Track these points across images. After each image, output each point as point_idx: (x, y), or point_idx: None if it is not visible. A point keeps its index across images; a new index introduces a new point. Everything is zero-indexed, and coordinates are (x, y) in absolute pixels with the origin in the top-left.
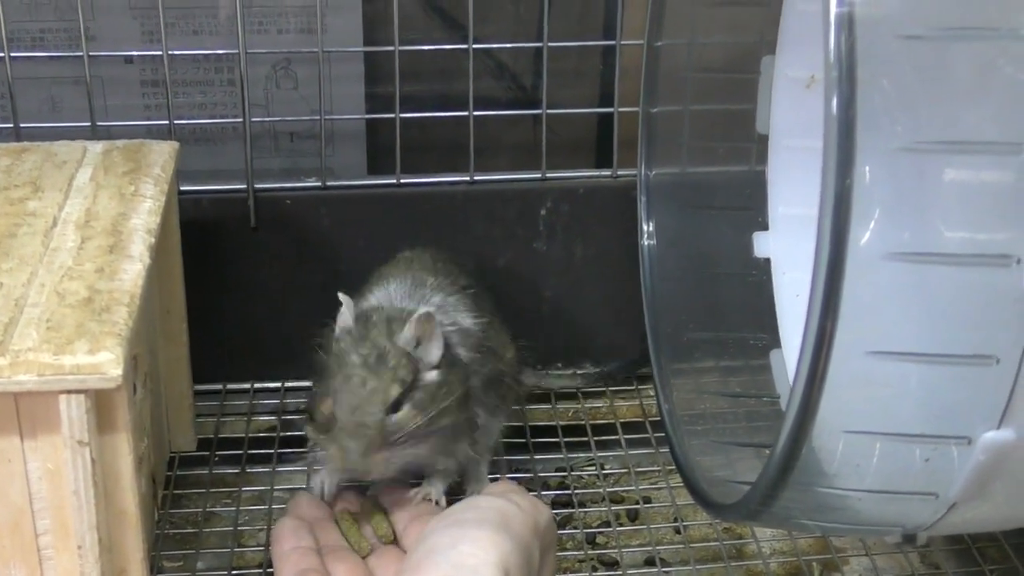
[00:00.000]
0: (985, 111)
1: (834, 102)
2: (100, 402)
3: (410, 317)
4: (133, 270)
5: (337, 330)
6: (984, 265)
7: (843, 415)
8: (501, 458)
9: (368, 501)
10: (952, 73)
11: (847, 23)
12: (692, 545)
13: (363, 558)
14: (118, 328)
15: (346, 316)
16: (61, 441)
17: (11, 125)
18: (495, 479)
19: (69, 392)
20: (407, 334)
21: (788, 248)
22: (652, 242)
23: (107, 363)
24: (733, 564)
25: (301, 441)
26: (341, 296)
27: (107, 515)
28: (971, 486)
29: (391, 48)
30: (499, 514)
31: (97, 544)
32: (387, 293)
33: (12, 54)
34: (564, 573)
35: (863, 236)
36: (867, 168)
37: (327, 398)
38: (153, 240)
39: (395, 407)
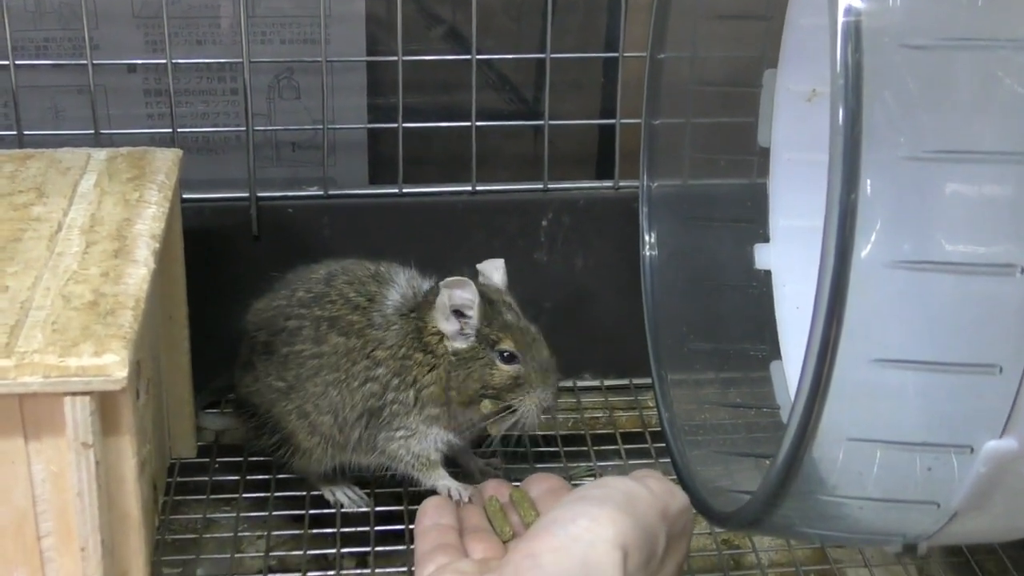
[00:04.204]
0: (986, 121)
1: (840, 112)
2: (104, 405)
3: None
4: (138, 274)
5: (481, 305)
6: (987, 275)
7: (846, 423)
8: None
9: (519, 491)
10: (954, 83)
11: (854, 32)
12: (690, 555)
13: (504, 542)
14: (123, 331)
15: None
16: (65, 443)
17: (15, 132)
18: None
19: (74, 394)
20: None
21: (789, 260)
22: (654, 253)
23: (112, 365)
24: (732, 574)
25: None
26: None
27: (110, 518)
28: (973, 495)
29: (394, 58)
30: (625, 495)
31: (100, 547)
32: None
33: (16, 62)
34: None
35: (865, 246)
36: (869, 179)
37: (512, 364)
38: (157, 245)
39: None
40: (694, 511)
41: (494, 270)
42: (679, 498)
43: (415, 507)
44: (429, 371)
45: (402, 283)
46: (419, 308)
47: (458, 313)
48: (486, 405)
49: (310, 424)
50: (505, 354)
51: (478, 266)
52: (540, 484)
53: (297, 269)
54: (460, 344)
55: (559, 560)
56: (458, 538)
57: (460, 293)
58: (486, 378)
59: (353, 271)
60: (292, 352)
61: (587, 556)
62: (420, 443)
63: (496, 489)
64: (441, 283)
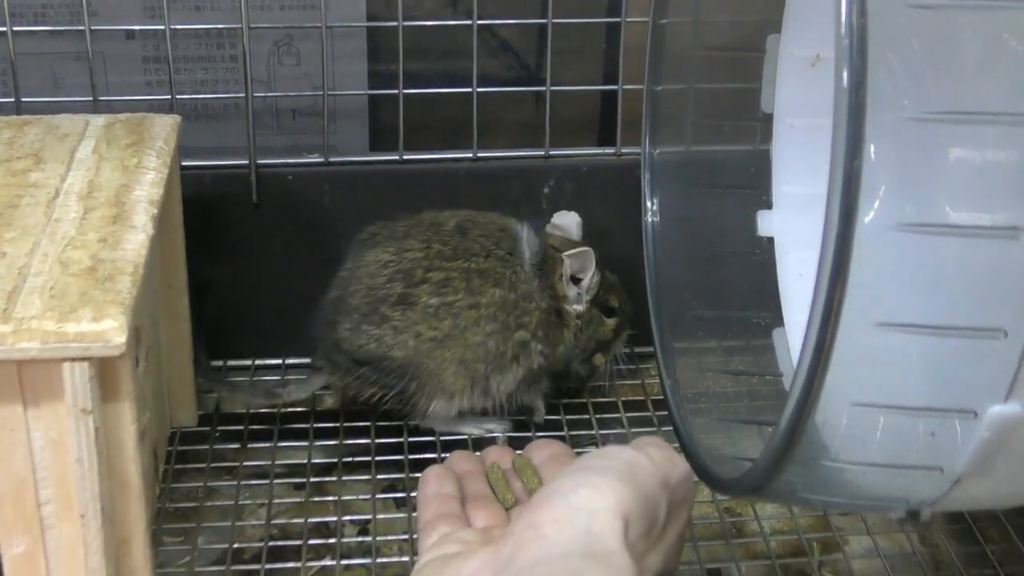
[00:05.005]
0: (991, 82)
1: (845, 74)
2: (103, 371)
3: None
4: (136, 240)
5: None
6: (991, 238)
7: (849, 388)
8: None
9: (521, 458)
10: (959, 44)
11: None
12: (693, 523)
13: (507, 510)
14: (121, 296)
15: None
16: (64, 409)
17: (12, 99)
18: None
19: (73, 360)
20: None
21: (792, 227)
22: (656, 220)
23: (111, 331)
24: (734, 542)
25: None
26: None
27: (110, 485)
28: (977, 461)
29: (395, 24)
30: (626, 464)
31: (100, 514)
32: None
33: (14, 28)
34: None
35: (870, 210)
36: (873, 142)
37: (612, 318)
38: (156, 211)
39: None
40: (696, 479)
41: (572, 224)
42: (680, 467)
43: (417, 475)
44: (561, 331)
45: (525, 237)
46: (543, 270)
47: (574, 279)
48: (598, 358)
49: (465, 370)
50: (608, 309)
51: (554, 218)
52: (542, 450)
53: (405, 218)
54: (580, 307)
55: (561, 530)
56: (460, 507)
57: (581, 264)
58: (599, 334)
59: (482, 224)
60: (444, 303)
61: (589, 526)
62: (543, 386)
63: (498, 456)
64: (564, 254)
